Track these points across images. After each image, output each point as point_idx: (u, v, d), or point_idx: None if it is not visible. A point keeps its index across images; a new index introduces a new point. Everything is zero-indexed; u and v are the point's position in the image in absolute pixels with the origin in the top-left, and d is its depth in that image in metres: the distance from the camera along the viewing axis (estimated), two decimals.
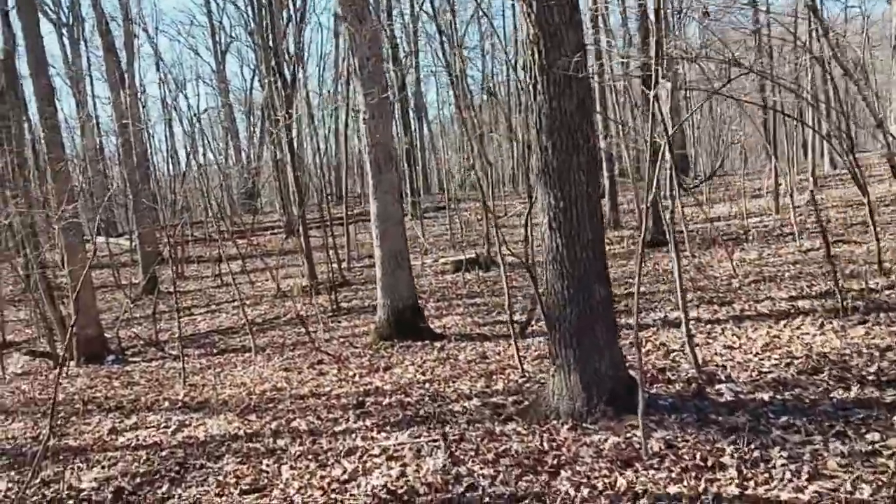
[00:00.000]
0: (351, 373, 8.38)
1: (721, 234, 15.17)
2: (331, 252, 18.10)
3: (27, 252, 14.13)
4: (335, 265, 17.60)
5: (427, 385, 7.37)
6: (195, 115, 27.18)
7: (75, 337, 11.88)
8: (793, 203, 13.68)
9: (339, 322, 12.94)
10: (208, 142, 28.99)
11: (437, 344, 9.12)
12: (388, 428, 6.22)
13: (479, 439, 5.60)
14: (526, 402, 6.23)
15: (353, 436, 6.17)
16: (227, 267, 15.01)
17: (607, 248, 6.73)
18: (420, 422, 6.25)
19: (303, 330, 11.59)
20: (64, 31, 33.49)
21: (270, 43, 20.64)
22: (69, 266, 11.59)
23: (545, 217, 5.59)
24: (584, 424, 5.42)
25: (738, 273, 10.97)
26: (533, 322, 9.39)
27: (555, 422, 5.59)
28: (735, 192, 21.98)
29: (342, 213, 22.92)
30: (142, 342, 13.22)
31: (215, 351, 12.02)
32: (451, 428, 5.95)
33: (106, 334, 13.50)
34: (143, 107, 28.12)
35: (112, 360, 12.52)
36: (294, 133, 33.76)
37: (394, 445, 5.76)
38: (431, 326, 9.90)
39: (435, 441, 5.66)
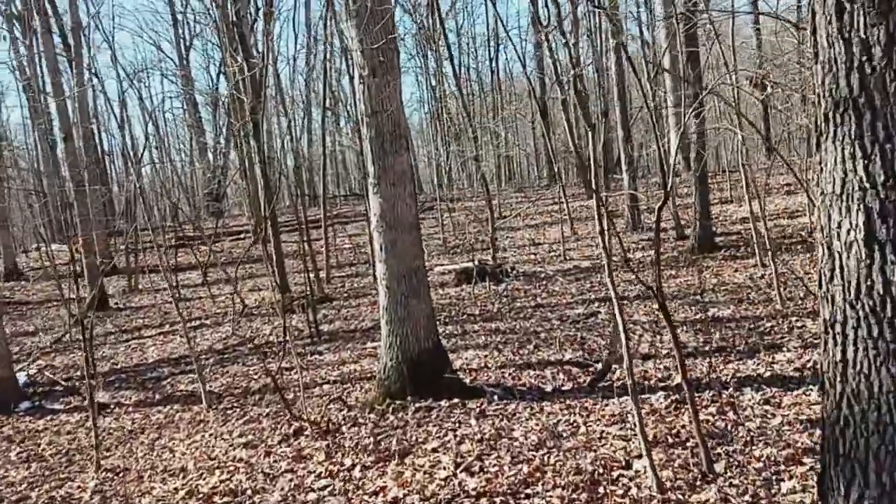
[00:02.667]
0: (347, 460, 5.27)
1: (780, 236, 12.31)
2: (307, 260, 15.01)
3: None
4: (312, 275, 14.45)
5: (481, 501, 4.28)
6: (153, 107, 23.80)
7: None
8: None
9: (320, 353, 9.84)
10: (166, 137, 25.56)
11: (473, 405, 6.05)
12: None
13: None
14: None
15: None
16: (176, 279, 11.82)
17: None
18: None
19: (274, 364, 8.48)
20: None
21: (235, 22, 17.45)
22: None
23: None
24: None
25: None
26: (611, 373, 6.38)
27: None
28: (755, 188, 19.20)
29: (320, 215, 19.76)
30: (64, 383, 9.96)
31: (157, 398, 8.86)
32: None
33: (31, 370, 10.30)
34: (96, 97, 24.73)
35: (27, 407, 9.27)
36: (265, 127, 30.48)
37: None
38: (460, 378, 6.82)
39: None
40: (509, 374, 7.03)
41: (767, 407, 5.00)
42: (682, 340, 7.23)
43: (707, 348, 6.86)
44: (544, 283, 11.95)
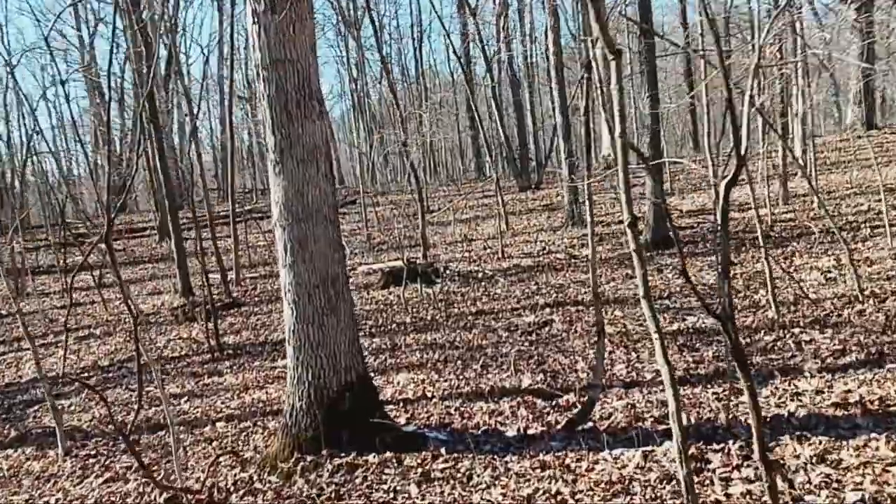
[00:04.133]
0: None
1: (741, 230, 11.07)
2: (211, 260, 13.10)
3: None
4: (219, 276, 12.53)
5: None
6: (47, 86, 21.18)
7: None
8: (817, 193, 9.68)
9: (220, 374, 8.05)
10: (61, 127, 22.98)
11: (412, 461, 4.38)
12: None
13: None
14: None
15: None
16: (71, 282, 9.81)
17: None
18: None
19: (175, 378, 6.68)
20: None
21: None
22: None
23: None
24: None
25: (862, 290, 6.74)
26: (595, 408, 4.79)
27: None
28: (690, 181, 18.18)
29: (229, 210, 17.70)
30: None
31: (13, 435, 6.94)
32: None
33: None
34: None
35: None
36: (173, 120, 28.06)
37: None
38: (394, 417, 5.13)
39: None
40: (456, 408, 5.40)
41: (828, 470, 3.52)
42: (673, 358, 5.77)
43: (701, 371, 5.40)
44: (483, 284, 10.39)
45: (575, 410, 4.88)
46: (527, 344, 7.01)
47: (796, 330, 5.95)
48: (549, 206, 17.83)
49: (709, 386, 5.02)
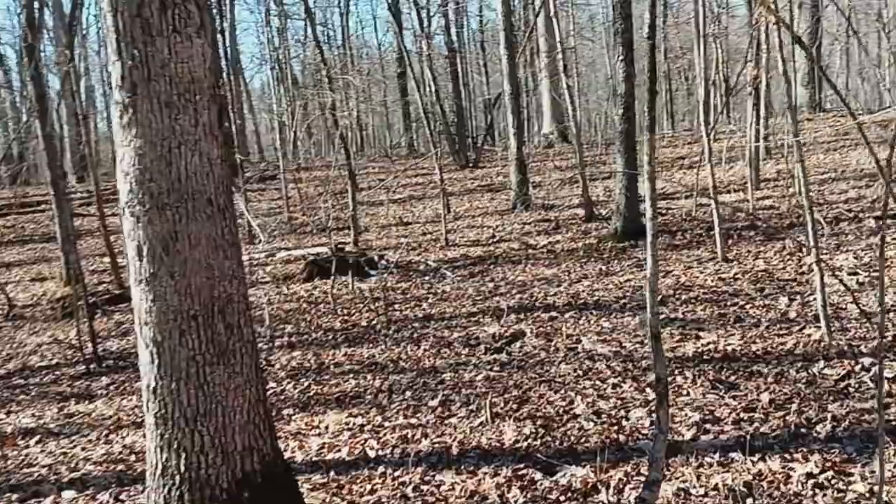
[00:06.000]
0: None
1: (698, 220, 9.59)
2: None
3: None
4: (109, 261, 10.39)
5: None
6: None
7: None
8: (802, 180, 8.21)
9: (92, 397, 6.09)
10: None
11: None
12: None
13: None
14: None
15: None
16: None
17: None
18: None
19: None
20: None
21: None
22: None
23: None
24: None
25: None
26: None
27: None
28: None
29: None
30: None
31: None
32: None
33: None
34: None
35: None
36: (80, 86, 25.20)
37: None
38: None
39: None
40: (416, 485, 3.61)
41: None
42: (696, 402, 4.11)
43: (759, 427, 3.74)
44: (428, 279, 8.61)
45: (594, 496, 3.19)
46: (496, 368, 5.27)
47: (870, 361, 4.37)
48: (491, 186, 16.13)
49: (781, 457, 3.37)
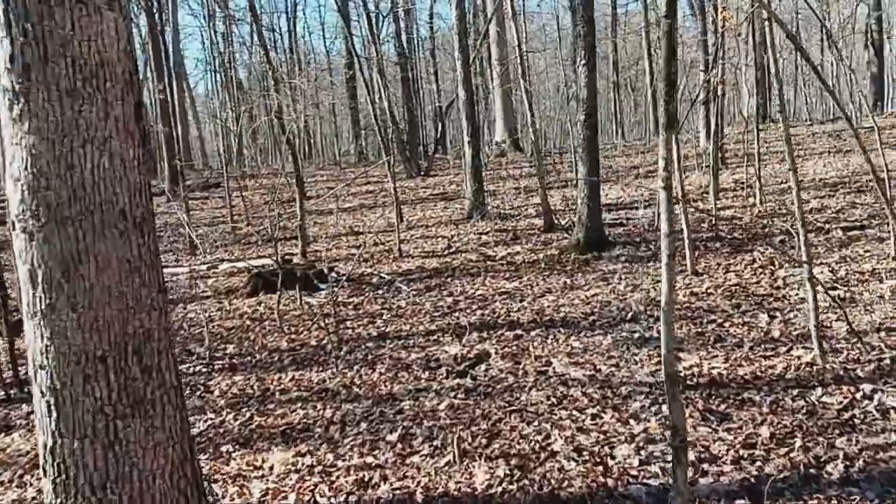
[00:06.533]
0: None
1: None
2: None
3: None
4: None
5: None
6: None
7: None
8: (794, 191, 7.87)
9: (10, 430, 5.35)
10: None
11: None
12: None
13: None
14: None
15: None
16: None
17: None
18: None
19: None
20: None
21: None
22: None
23: None
24: None
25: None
26: None
27: None
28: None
29: None
30: None
31: None
32: None
33: None
34: None
35: None
36: None
37: None
38: None
39: None
40: None
41: None
42: (688, 436, 3.69)
43: (762, 467, 3.33)
44: (382, 293, 8.10)
45: None
46: (461, 395, 4.78)
47: (888, 394, 4.02)
48: (444, 195, 15.68)
49: None
